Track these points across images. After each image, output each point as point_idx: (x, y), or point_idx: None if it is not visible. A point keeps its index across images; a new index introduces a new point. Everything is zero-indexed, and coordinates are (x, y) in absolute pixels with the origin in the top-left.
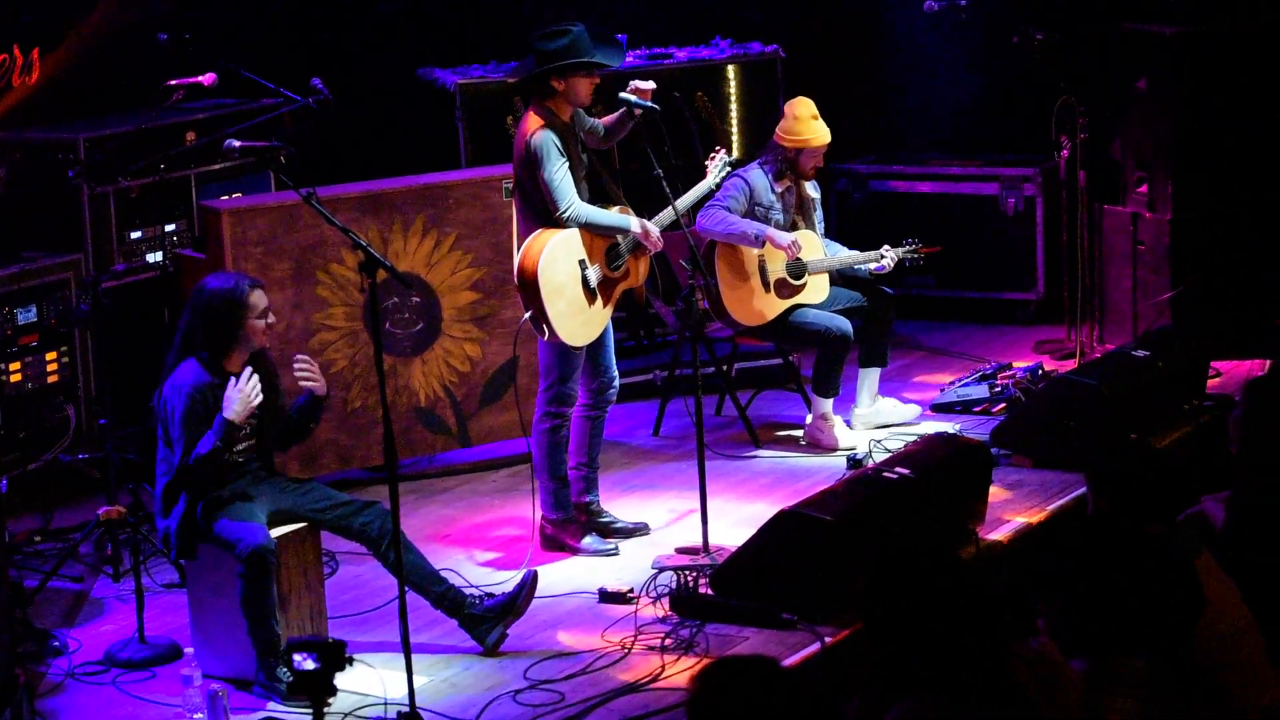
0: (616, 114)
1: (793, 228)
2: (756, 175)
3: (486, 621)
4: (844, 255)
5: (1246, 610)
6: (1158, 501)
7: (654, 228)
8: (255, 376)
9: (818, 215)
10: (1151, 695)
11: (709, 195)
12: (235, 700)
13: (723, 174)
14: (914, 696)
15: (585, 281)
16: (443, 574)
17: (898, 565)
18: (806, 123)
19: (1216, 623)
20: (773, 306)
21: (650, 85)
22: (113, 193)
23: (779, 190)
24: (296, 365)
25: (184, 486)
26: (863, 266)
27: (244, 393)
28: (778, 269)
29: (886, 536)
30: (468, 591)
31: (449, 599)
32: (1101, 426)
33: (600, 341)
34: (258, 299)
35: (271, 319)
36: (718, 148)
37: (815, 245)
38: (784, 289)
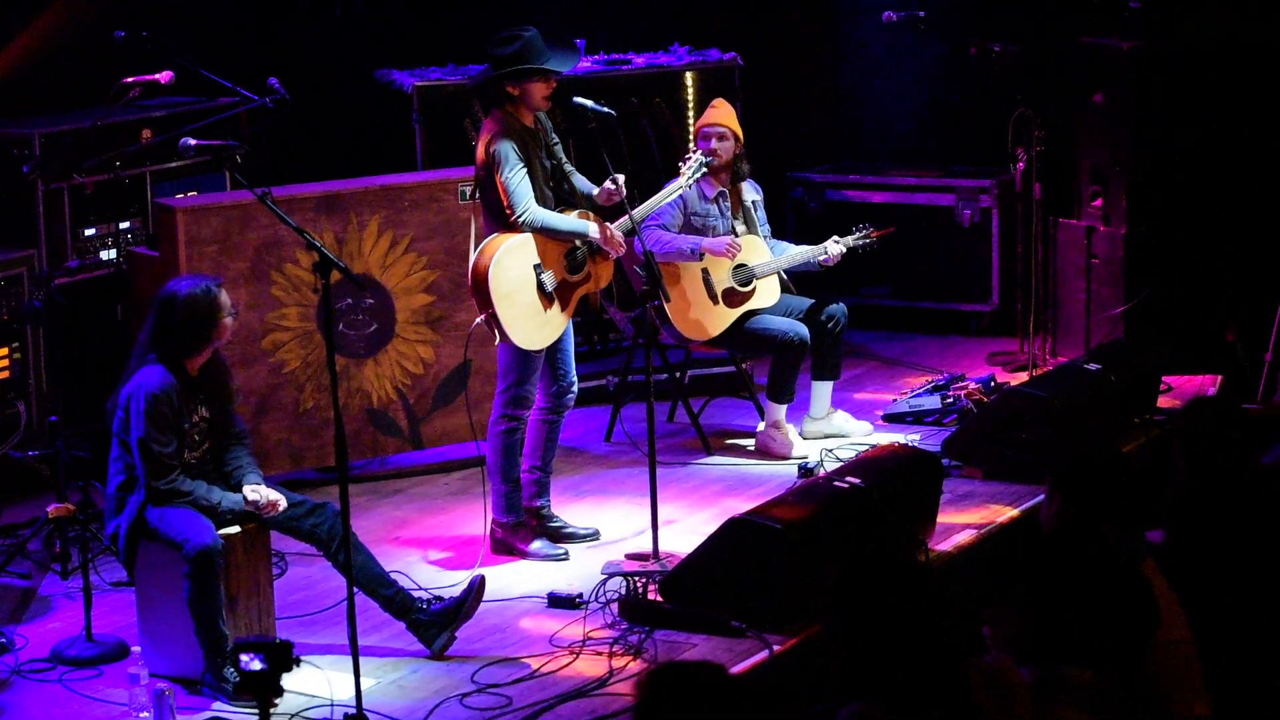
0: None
1: (733, 232)
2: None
3: (434, 626)
4: (790, 253)
5: (1184, 621)
6: (1119, 498)
7: (616, 231)
8: (283, 502)
9: (760, 217)
10: (1099, 707)
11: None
12: (182, 699)
13: (698, 174)
14: (864, 700)
15: (541, 285)
16: (393, 577)
17: (867, 568)
18: (706, 111)
19: (1159, 632)
20: (721, 319)
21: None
22: (67, 189)
23: (711, 195)
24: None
25: (152, 482)
26: (813, 260)
27: (265, 500)
28: (723, 278)
29: (851, 543)
30: (417, 595)
31: (397, 602)
32: (1057, 437)
33: (560, 345)
34: (225, 298)
35: (235, 313)
36: (693, 148)
37: (759, 249)
38: (733, 297)
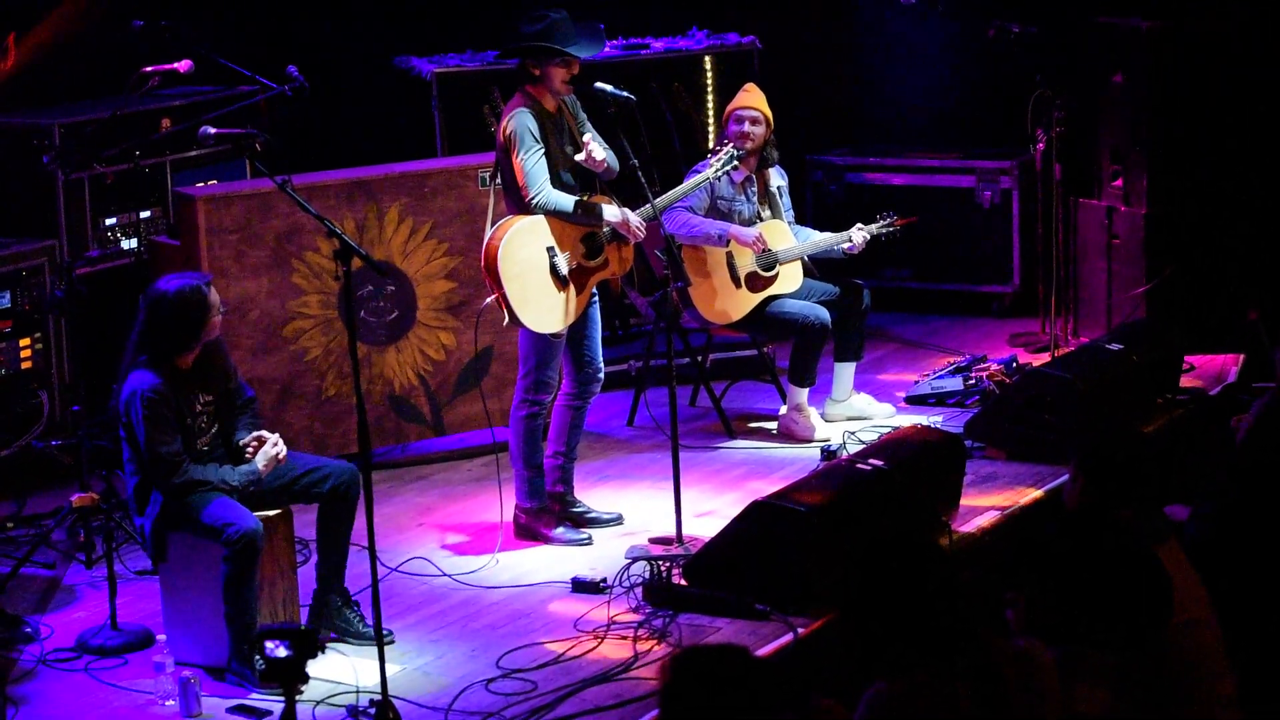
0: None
1: (759, 218)
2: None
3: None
4: (814, 239)
5: (1206, 599)
6: (1142, 484)
7: (634, 217)
8: (280, 443)
9: (785, 203)
10: (1122, 687)
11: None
12: (207, 687)
13: (728, 168)
14: (889, 679)
15: (554, 269)
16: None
17: (889, 547)
18: (738, 94)
19: (1178, 612)
20: (744, 303)
21: (602, 156)
22: (88, 179)
23: (739, 180)
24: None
25: (162, 487)
26: (837, 247)
27: (277, 455)
28: (747, 263)
29: (873, 527)
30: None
31: (329, 607)
32: (1080, 418)
33: (585, 331)
34: (215, 296)
35: (224, 310)
36: (725, 141)
37: (784, 234)
38: (756, 282)
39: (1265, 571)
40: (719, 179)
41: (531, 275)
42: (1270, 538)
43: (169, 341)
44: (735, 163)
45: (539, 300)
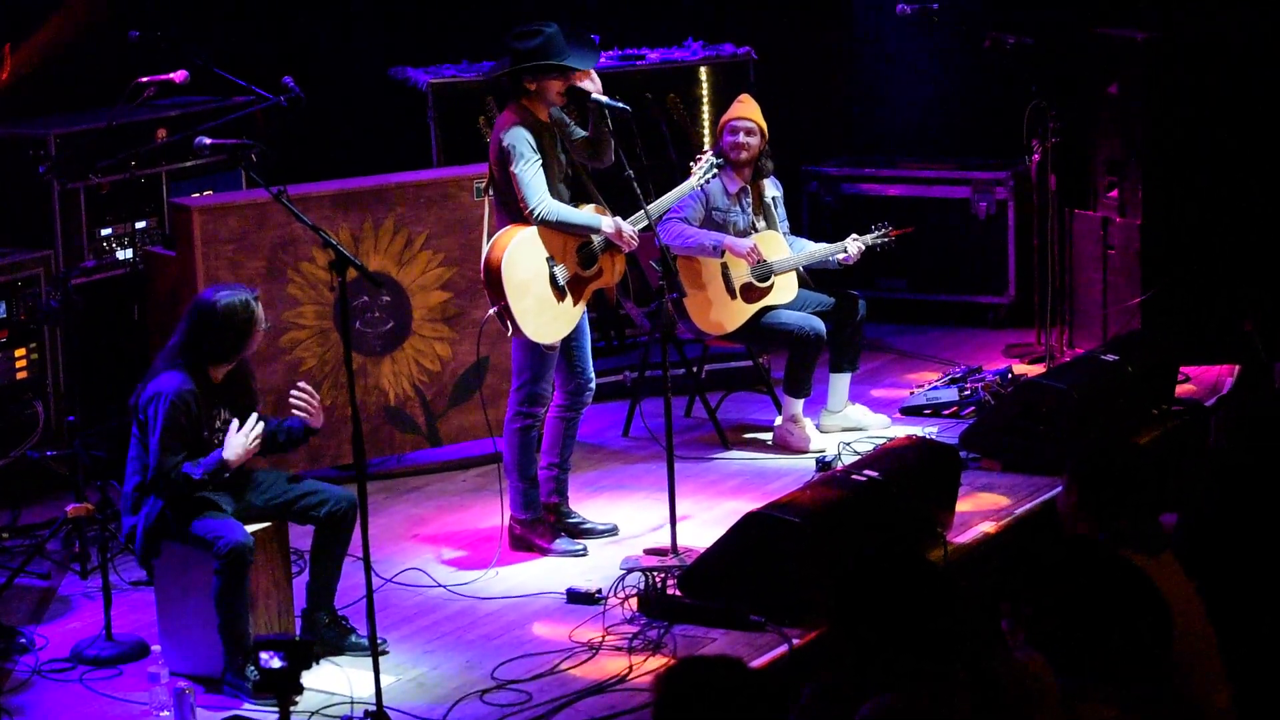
0: (590, 123)
1: (753, 229)
2: (710, 180)
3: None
4: (809, 250)
5: (1202, 611)
6: (1137, 494)
7: (628, 227)
8: (259, 426)
9: (779, 214)
10: (1123, 698)
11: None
12: (202, 698)
13: (709, 175)
14: (887, 693)
15: (553, 279)
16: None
17: (876, 560)
18: (733, 105)
19: (1176, 624)
20: (739, 313)
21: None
22: (83, 189)
23: (733, 191)
24: (295, 395)
25: (155, 493)
26: (832, 258)
27: (246, 444)
28: (742, 274)
29: (869, 536)
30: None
31: (319, 625)
32: (1075, 429)
33: (577, 342)
34: (261, 311)
35: (269, 325)
36: (706, 148)
37: (778, 245)
38: (751, 293)
39: (1250, 577)
40: (713, 184)
41: (533, 285)
42: (1250, 543)
43: (211, 351)
44: (715, 169)
45: (539, 311)
